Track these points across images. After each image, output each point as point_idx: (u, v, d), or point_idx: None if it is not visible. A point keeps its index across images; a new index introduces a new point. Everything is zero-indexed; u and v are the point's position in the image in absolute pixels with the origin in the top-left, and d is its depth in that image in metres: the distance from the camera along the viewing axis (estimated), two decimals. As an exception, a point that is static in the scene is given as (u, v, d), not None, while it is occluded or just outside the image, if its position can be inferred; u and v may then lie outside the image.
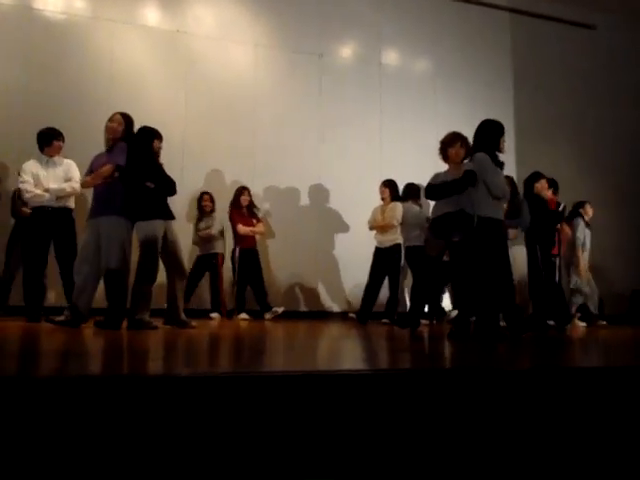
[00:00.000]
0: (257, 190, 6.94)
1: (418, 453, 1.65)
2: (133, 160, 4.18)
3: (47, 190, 4.93)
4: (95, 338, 3.40)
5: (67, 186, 5.01)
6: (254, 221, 6.52)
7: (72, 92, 6.39)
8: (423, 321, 5.48)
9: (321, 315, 7.14)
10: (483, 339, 3.64)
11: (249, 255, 6.40)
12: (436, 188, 4.05)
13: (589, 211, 6.80)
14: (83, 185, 4.61)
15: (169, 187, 4.29)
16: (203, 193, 6.53)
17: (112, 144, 4.33)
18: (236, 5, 7.38)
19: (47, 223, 4.92)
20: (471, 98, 8.06)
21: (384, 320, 6.11)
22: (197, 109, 6.91)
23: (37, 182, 4.97)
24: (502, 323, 4.36)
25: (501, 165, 3.98)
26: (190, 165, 6.62)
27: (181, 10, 7.10)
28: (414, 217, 6.13)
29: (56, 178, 5.03)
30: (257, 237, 6.57)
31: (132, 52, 6.82)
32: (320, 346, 3.38)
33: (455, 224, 3.89)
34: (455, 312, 5.49)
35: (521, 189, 5.66)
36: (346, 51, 7.89)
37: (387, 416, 1.65)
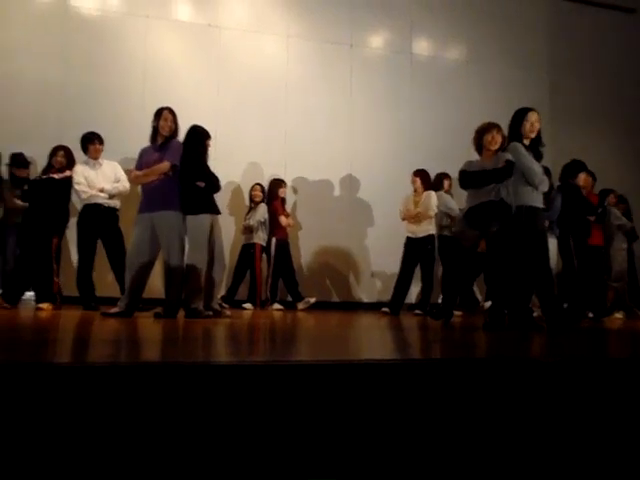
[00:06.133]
0: (288, 181, 6.99)
1: (451, 441, 1.65)
2: (187, 160, 4.41)
3: (102, 190, 5.24)
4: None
5: (120, 185, 5.38)
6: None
7: (107, 88, 6.52)
8: (456, 312, 5.43)
9: (353, 306, 7.14)
10: (519, 330, 3.59)
11: (284, 246, 6.47)
12: (473, 176, 3.89)
13: (612, 200, 6.66)
14: (134, 180, 4.71)
15: (215, 185, 4.58)
16: (255, 184, 6.63)
17: (163, 141, 4.44)
18: (267, -3, 7.40)
19: (97, 220, 5.23)
20: (505, 84, 7.90)
21: (417, 311, 6.07)
22: (229, 101, 6.96)
23: (89, 183, 5.26)
24: (536, 314, 4.28)
25: (538, 155, 3.89)
26: (222, 157, 6.66)
27: (213, 4, 7.14)
28: (446, 207, 6.07)
29: (105, 178, 5.35)
30: (288, 229, 6.64)
31: (165, 47, 6.92)
32: (352, 336, 3.39)
33: (493, 214, 3.80)
34: (488, 303, 5.43)
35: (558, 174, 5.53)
36: (376, 41, 7.82)
37: (419, 405, 1.66)
